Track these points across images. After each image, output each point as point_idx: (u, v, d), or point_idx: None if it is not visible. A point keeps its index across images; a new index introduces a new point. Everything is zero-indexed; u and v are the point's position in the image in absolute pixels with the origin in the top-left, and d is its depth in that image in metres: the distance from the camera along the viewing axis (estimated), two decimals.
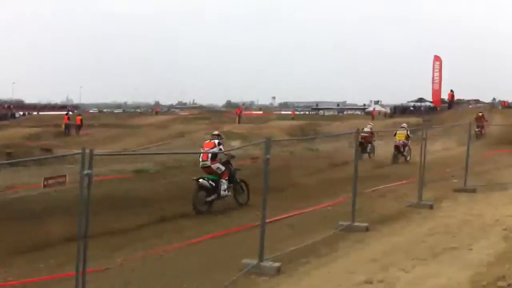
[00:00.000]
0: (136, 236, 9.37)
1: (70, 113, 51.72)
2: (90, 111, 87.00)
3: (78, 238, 4.95)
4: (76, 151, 5.15)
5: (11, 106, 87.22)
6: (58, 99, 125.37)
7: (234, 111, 59.99)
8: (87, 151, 4.74)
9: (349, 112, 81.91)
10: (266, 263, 7.08)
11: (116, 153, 20.49)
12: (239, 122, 47.98)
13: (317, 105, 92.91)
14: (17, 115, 72.52)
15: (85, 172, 4.77)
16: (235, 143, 27.78)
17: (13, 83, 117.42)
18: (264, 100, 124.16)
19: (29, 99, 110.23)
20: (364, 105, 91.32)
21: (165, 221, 10.67)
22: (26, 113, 77.37)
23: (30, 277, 7.19)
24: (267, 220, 7.71)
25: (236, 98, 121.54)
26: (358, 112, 79.66)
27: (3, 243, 8.55)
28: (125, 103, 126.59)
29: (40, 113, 77.50)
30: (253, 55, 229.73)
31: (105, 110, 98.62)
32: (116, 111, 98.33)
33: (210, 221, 10.65)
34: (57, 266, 7.61)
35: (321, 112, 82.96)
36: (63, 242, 8.68)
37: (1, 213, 10.43)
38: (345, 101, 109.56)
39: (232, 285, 6.49)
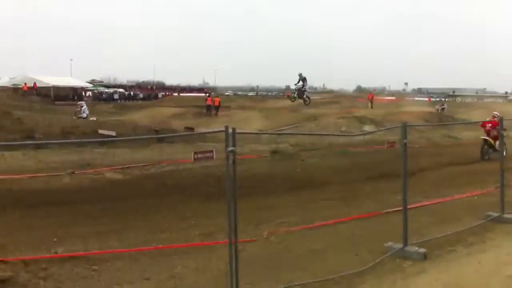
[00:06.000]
0: (279, 212, 9.65)
1: (210, 95, 53.95)
2: (225, 93, 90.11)
3: (229, 210, 5.18)
4: (220, 129, 5.39)
5: (154, 87, 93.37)
6: (195, 81, 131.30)
7: (365, 97, 58.85)
8: (230, 129, 4.96)
9: (490, 100, 76.21)
10: (411, 248, 7.02)
11: (255, 132, 21.25)
12: (371, 107, 47.13)
13: (453, 92, 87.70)
14: (159, 95, 77.49)
15: (230, 149, 4.97)
16: (368, 128, 27.42)
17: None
18: (396, 86, 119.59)
19: (168, 81, 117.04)
20: (506, 92, 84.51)
21: (304, 201, 10.84)
22: (167, 93, 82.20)
23: (186, 242, 7.74)
24: (409, 206, 7.61)
25: (366, 84, 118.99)
26: (500, 100, 73.86)
27: (160, 212, 9.40)
28: (257, 86, 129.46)
29: (180, 94, 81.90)
30: (385, 40, 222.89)
31: (239, 93, 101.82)
32: (249, 94, 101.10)
33: (352, 203, 10.60)
34: (208, 235, 8.09)
35: (458, 99, 78.27)
36: (211, 214, 9.21)
37: (156, 184, 11.38)
38: (485, 88, 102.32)
39: (377, 267, 6.50)
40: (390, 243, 7.24)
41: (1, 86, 63.07)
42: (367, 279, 6.17)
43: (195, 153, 10.32)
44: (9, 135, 19.45)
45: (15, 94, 54.03)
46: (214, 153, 10.14)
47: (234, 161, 5.02)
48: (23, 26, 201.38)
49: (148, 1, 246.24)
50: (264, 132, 24.46)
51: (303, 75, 27.14)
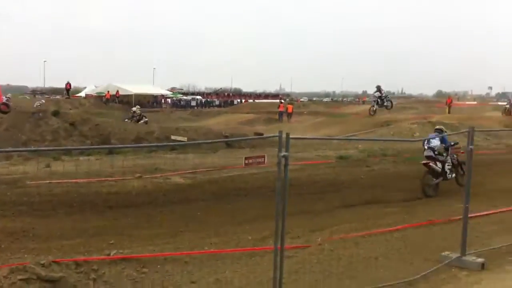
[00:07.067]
0: (337, 219, 9.52)
1: (282, 101, 54.15)
2: (301, 99, 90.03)
3: (276, 215, 5.18)
4: (273, 135, 5.41)
5: (231, 94, 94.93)
6: (272, 88, 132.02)
7: (444, 101, 56.68)
8: (284, 135, 4.97)
9: None
10: (469, 258, 6.76)
11: (310, 137, 20.95)
12: (449, 113, 45.34)
13: None
14: (235, 102, 78.69)
15: (282, 154, 4.99)
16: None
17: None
18: (480, 90, 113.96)
19: (246, 88, 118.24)
20: None
21: (367, 207, 10.64)
22: (243, 100, 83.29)
23: (237, 246, 7.82)
24: (472, 215, 7.30)
25: (448, 88, 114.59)
26: None
27: (218, 216, 9.55)
28: (334, 92, 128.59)
29: (256, 100, 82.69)
30: (466, 41, 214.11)
31: (314, 99, 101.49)
32: (324, 100, 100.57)
33: (414, 211, 10.28)
34: (261, 240, 8.11)
35: None
36: (268, 219, 9.22)
37: (217, 189, 11.57)
38: None
39: (431, 276, 6.27)
40: (447, 252, 6.97)
41: (87, 94, 66.45)
42: None
43: (246, 158, 10.48)
44: (87, 140, 20.49)
45: (98, 102, 56.71)
46: (266, 158, 10.26)
47: (285, 166, 5.04)
48: (112, 39, 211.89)
49: (227, 11, 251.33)
50: (319, 137, 24.09)
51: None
